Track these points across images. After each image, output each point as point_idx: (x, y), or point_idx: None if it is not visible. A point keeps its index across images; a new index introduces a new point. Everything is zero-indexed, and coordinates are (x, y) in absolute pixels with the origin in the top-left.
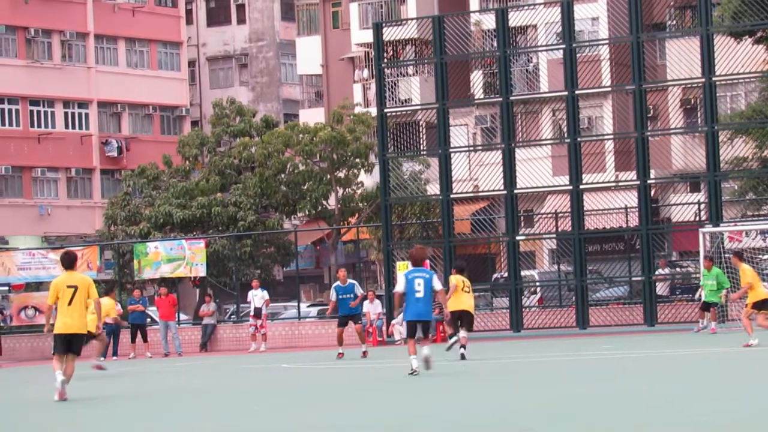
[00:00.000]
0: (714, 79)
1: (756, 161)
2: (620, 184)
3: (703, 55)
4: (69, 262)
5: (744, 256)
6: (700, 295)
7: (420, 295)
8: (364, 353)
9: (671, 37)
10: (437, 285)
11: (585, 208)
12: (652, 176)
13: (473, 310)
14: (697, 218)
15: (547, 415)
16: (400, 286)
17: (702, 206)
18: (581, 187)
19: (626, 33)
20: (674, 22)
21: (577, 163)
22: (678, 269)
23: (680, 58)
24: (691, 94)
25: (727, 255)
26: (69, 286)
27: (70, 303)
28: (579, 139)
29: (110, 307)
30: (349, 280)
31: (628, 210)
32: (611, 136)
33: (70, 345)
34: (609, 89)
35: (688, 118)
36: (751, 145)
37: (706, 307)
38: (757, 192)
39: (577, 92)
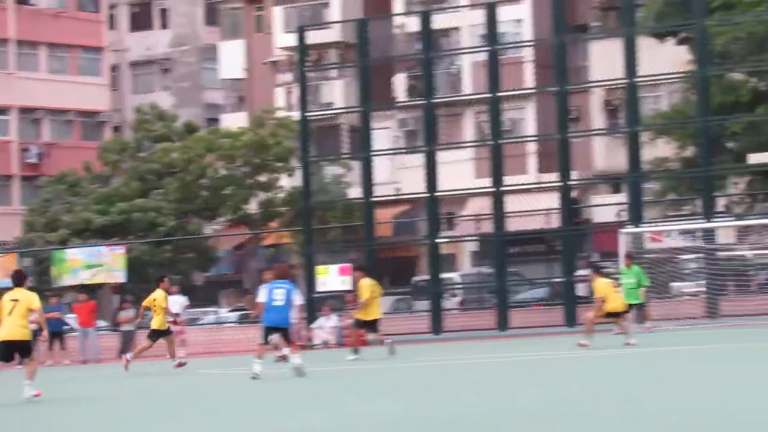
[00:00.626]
0: (636, 80)
1: (677, 161)
2: (542, 185)
3: (625, 56)
4: (17, 279)
5: (601, 270)
6: None
7: (279, 303)
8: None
9: (594, 39)
10: (297, 300)
11: (507, 210)
12: (574, 177)
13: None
14: (619, 219)
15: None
16: (261, 297)
17: (623, 207)
18: (502, 189)
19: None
20: (598, 23)
21: (499, 165)
22: None
23: (603, 59)
24: (613, 96)
25: (646, 255)
26: (12, 300)
27: (10, 314)
28: (501, 141)
29: (162, 298)
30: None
31: (550, 212)
32: (534, 138)
33: (11, 352)
34: (532, 91)
35: (611, 119)
36: (672, 146)
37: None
38: (678, 192)
39: (499, 94)
